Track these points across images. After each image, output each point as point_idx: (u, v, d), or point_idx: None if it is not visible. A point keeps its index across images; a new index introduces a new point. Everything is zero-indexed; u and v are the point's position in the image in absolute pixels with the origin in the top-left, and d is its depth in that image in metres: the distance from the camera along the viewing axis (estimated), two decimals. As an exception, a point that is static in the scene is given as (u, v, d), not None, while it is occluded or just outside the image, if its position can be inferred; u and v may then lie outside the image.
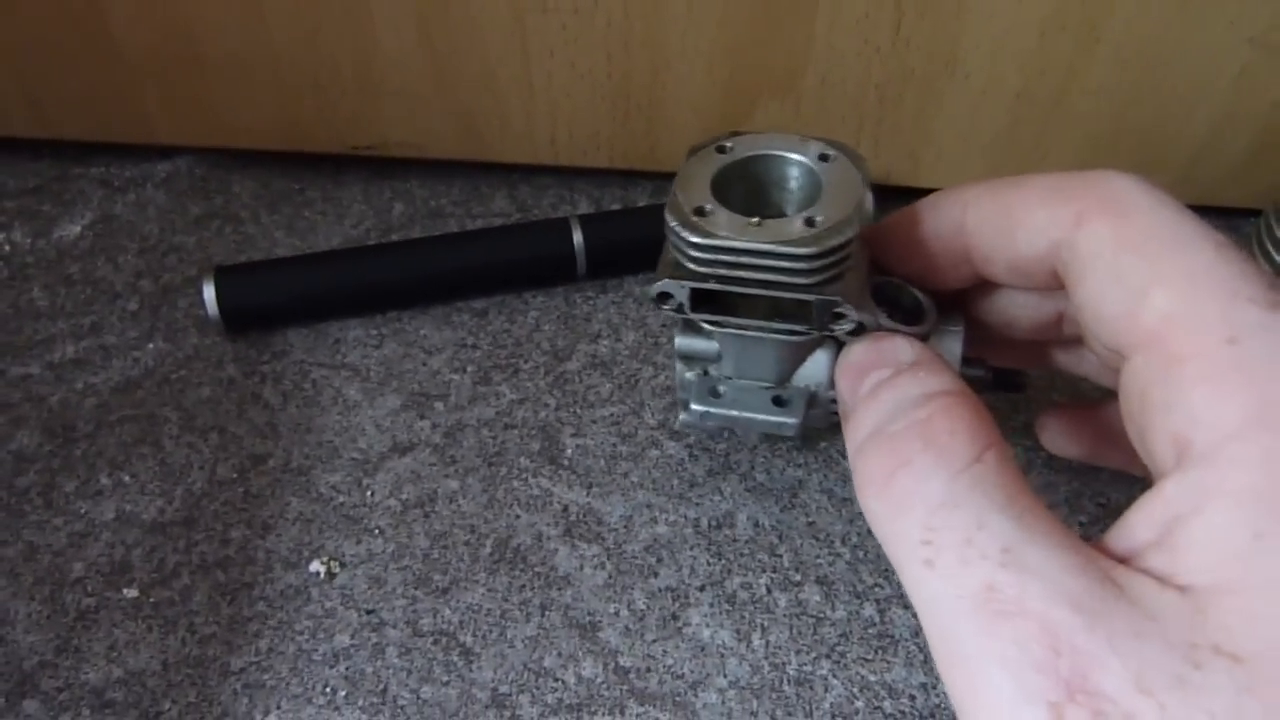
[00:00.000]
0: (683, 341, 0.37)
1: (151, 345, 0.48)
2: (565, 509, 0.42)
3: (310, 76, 0.52)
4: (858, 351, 0.31)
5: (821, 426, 0.38)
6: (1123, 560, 0.22)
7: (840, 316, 0.32)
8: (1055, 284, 0.29)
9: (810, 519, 0.42)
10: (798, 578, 0.40)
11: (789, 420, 0.36)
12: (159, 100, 0.54)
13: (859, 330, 0.32)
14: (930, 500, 0.24)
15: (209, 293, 0.47)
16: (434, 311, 0.50)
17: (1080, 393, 0.45)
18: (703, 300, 0.33)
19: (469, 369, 0.48)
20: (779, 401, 0.37)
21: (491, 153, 0.56)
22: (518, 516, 0.42)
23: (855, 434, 0.28)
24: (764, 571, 0.40)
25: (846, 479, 0.43)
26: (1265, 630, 0.19)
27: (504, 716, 0.36)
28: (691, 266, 0.32)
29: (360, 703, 0.36)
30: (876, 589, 0.40)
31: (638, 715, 0.36)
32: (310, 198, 0.57)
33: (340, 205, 0.56)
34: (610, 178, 0.58)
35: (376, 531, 0.41)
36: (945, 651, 0.23)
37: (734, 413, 0.37)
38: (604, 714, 0.36)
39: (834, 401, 0.36)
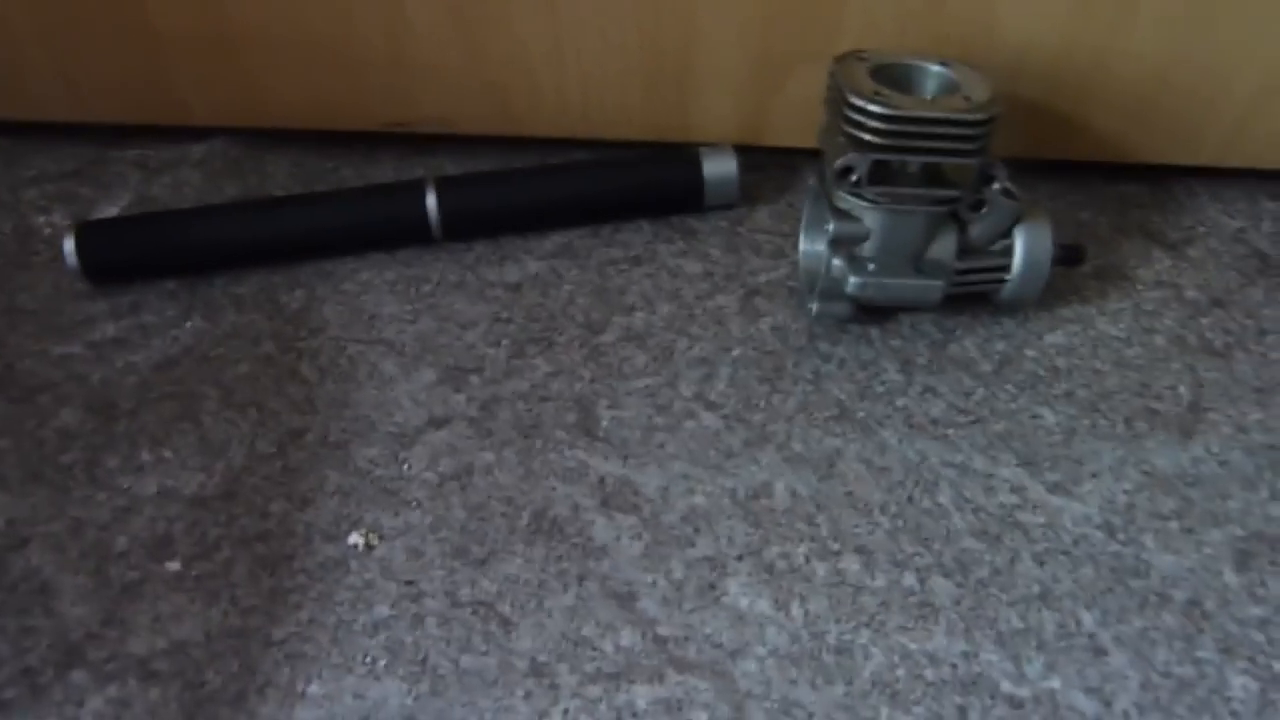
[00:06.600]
0: (839, 227, 0.42)
1: (189, 324, 0.49)
2: (602, 480, 0.42)
3: (342, 54, 0.53)
4: None
5: (952, 293, 0.44)
6: None
7: (991, 179, 0.40)
8: None
9: (848, 488, 0.42)
10: (836, 547, 0.40)
11: (935, 283, 0.42)
12: (193, 82, 0.55)
13: (1007, 193, 0.41)
14: None
15: (69, 246, 0.50)
16: (467, 286, 0.50)
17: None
18: (872, 178, 0.41)
19: (503, 343, 0.48)
20: (919, 271, 0.43)
21: (522, 126, 0.55)
22: (554, 488, 0.42)
23: None
24: (802, 541, 0.40)
25: (884, 449, 0.43)
26: None
27: (543, 685, 0.36)
28: (874, 139, 0.39)
29: (400, 672, 0.37)
30: (916, 557, 0.39)
31: (677, 683, 0.36)
32: (344, 176, 0.57)
33: (373, 182, 0.56)
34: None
35: (414, 504, 0.42)
36: None
37: (888, 280, 0.42)
38: (643, 682, 0.36)
39: (959, 272, 0.43)
